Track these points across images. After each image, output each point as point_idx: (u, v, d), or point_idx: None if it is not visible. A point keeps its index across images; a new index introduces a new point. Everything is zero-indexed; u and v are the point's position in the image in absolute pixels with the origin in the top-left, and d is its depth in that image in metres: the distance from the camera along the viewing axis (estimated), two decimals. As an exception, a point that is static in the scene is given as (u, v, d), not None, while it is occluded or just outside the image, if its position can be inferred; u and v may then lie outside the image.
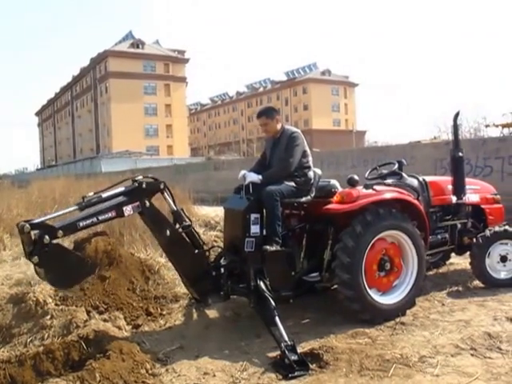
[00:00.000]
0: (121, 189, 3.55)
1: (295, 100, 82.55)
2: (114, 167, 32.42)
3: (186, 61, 69.88)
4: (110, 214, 3.37)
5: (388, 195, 4.11)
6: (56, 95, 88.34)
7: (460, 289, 4.82)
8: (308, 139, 4.42)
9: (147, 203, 3.55)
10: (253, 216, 3.96)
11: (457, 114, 5.01)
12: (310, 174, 4.31)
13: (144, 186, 3.58)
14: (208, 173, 19.65)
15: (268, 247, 3.89)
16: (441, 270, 5.57)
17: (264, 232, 4.03)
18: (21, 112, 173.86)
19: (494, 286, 4.71)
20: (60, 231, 3.14)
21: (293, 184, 4.16)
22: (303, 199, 4.23)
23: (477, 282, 4.91)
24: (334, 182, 4.46)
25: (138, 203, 3.50)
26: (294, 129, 4.38)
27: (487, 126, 21.21)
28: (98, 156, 49.19)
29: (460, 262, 5.71)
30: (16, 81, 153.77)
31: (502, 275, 4.78)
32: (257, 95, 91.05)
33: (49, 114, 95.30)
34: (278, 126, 4.37)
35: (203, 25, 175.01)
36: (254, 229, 3.96)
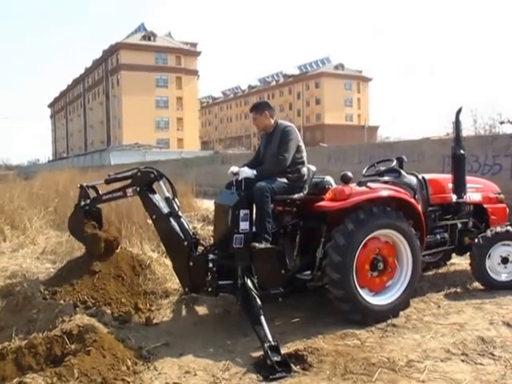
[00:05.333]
0: (128, 173, 4.32)
1: (307, 94, 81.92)
2: (123, 160, 32.51)
3: (198, 54, 69.69)
4: (119, 193, 4.29)
5: (382, 193, 3.98)
6: (68, 87, 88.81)
7: (458, 290, 4.68)
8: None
9: (139, 188, 4.12)
10: (242, 212, 3.88)
11: (459, 110, 4.84)
12: (304, 170, 4.20)
13: (139, 174, 4.15)
14: (215, 166, 19.53)
15: (256, 244, 3.80)
16: (440, 271, 5.42)
17: (254, 229, 3.94)
18: (35, 104, 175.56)
19: (494, 288, 4.56)
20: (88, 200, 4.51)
21: (285, 180, 4.06)
22: (296, 196, 4.13)
23: (476, 284, 4.76)
24: (328, 178, 4.34)
25: (135, 187, 4.15)
26: (287, 123, 4.27)
27: (502, 122, 20.72)
28: (107, 148, 49.37)
29: (462, 262, 5.56)
30: (31, 71, 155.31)
31: (503, 277, 4.63)
32: (269, 89, 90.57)
33: (61, 105, 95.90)
34: (268, 121, 4.28)
35: (216, 17, 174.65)
36: (243, 225, 3.87)
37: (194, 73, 68.28)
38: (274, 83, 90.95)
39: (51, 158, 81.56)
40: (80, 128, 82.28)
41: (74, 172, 14.89)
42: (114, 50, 65.90)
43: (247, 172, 4.07)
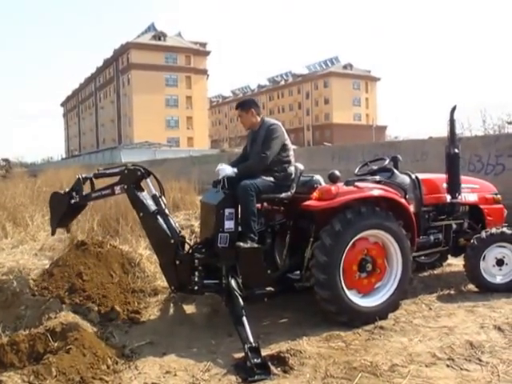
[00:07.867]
0: (116, 170, 4.28)
1: (316, 94, 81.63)
2: (133, 158, 32.56)
3: (208, 53, 69.89)
4: (107, 191, 4.16)
5: (370, 192, 3.90)
6: (80, 86, 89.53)
7: (452, 292, 4.58)
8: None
9: (126, 186, 4.04)
10: (227, 211, 3.82)
11: (453, 109, 4.73)
12: (291, 168, 4.14)
13: (126, 171, 4.09)
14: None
15: (241, 244, 3.75)
16: (436, 272, 5.33)
17: (240, 228, 3.89)
18: (50, 102, 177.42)
19: (488, 290, 4.46)
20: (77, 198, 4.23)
21: (271, 179, 4.00)
22: (283, 195, 4.06)
23: (471, 286, 4.65)
24: (317, 177, 4.27)
25: (122, 185, 4.06)
26: (273, 121, 4.21)
27: (510, 123, 20.33)
28: (118, 146, 49.66)
29: (458, 263, 5.42)
30: (46, 69, 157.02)
31: (498, 279, 4.52)
32: (278, 88, 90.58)
33: (73, 104, 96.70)
34: (254, 119, 4.22)
35: (225, 17, 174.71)
36: (228, 224, 3.82)
37: (204, 72, 68.45)
38: (282, 82, 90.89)
39: (64, 156, 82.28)
40: (92, 126, 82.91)
41: (78, 170, 14.98)
42: (124, 49, 66.31)
43: (227, 170, 4.01)
